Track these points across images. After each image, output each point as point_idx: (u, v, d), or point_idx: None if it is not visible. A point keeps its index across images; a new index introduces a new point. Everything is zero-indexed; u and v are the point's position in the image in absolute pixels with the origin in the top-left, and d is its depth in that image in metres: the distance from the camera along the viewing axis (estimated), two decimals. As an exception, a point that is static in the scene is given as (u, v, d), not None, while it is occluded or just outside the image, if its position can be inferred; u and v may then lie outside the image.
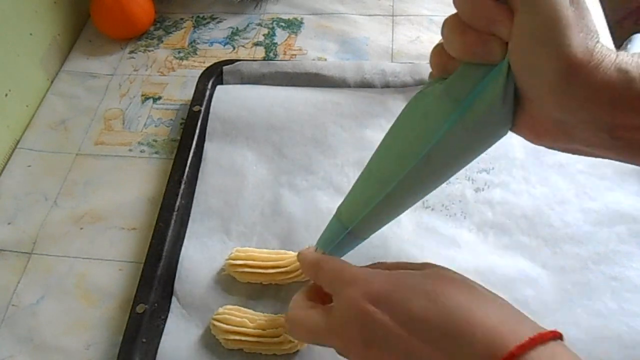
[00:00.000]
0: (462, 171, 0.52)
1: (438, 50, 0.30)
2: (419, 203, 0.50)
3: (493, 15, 0.26)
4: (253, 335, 0.42)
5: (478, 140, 0.32)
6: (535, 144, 0.30)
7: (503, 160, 0.53)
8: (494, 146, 0.58)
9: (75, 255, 0.51)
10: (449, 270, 0.32)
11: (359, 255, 0.47)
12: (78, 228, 0.52)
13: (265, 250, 0.47)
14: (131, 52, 0.69)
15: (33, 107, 0.63)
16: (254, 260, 0.45)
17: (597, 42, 0.25)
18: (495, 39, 0.27)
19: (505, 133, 0.31)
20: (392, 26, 0.69)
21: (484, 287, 0.31)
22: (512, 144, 0.54)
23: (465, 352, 0.27)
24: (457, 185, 0.51)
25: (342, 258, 0.39)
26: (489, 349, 0.26)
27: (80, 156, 0.58)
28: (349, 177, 0.52)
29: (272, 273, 0.45)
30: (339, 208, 0.38)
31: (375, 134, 0.55)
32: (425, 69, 0.59)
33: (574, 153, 0.29)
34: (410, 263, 0.34)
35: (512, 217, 0.49)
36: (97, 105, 0.63)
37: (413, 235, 0.48)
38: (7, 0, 0.58)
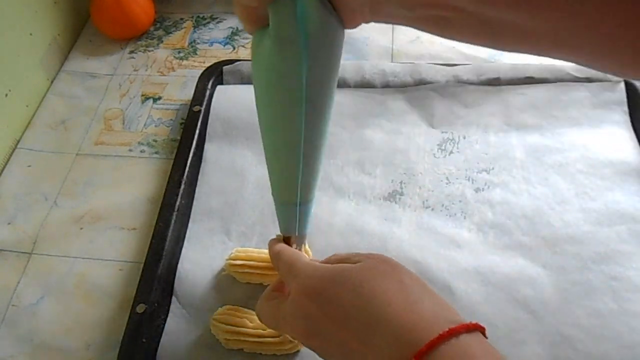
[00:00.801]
0: (462, 171, 0.52)
1: (241, 6, 0.31)
2: (419, 203, 0.51)
3: None
4: (253, 335, 0.42)
5: (334, 56, 0.32)
6: (352, 28, 0.32)
7: (503, 160, 0.53)
8: (494, 146, 0.58)
9: (75, 255, 0.51)
10: (388, 261, 0.33)
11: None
12: (78, 228, 0.52)
13: (265, 250, 0.47)
14: (131, 52, 0.69)
15: (33, 107, 0.63)
16: (254, 260, 0.45)
17: None
18: None
19: (343, 35, 0.32)
20: (392, 26, 0.69)
21: (417, 280, 0.32)
22: (512, 144, 0.54)
23: (380, 345, 0.28)
24: (457, 185, 0.51)
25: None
26: (400, 343, 0.27)
27: (80, 156, 0.58)
28: (349, 177, 0.52)
29: (272, 273, 0.45)
30: (274, 196, 0.39)
31: (375, 134, 0.55)
32: (425, 69, 0.59)
33: (381, 22, 0.31)
34: (357, 254, 0.35)
35: (512, 217, 0.49)
36: (97, 105, 0.63)
37: (413, 235, 0.48)
38: (7, 0, 0.58)
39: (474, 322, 0.28)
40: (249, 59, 0.64)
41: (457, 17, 0.28)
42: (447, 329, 0.27)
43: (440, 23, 0.29)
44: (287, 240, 0.41)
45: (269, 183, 0.52)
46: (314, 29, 0.29)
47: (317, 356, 0.42)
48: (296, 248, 0.41)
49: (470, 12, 0.27)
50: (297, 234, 0.41)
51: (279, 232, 0.42)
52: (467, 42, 0.31)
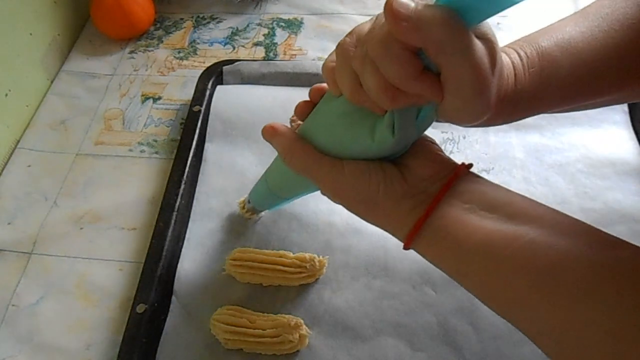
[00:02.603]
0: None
1: (354, 87, 0.30)
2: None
3: (425, 92, 0.28)
4: (253, 335, 0.42)
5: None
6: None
7: (503, 160, 0.53)
8: (493, 146, 0.58)
9: (75, 255, 0.51)
10: None
11: (360, 256, 0.48)
12: (78, 228, 0.52)
13: (265, 250, 0.47)
14: (131, 52, 0.69)
15: (33, 107, 0.63)
16: (254, 260, 0.45)
17: (502, 76, 0.31)
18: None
19: None
20: (392, 26, 0.69)
21: None
22: (511, 144, 0.54)
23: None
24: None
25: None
26: None
27: (80, 156, 0.58)
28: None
29: (272, 273, 0.45)
30: (267, 182, 0.42)
31: (375, 134, 0.55)
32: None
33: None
34: None
35: (512, 217, 0.49)
36: (97, 105, 0.63)
37: (413, 235, 0.48)
38: (7, 0, 0.58)
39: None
40: (249, 59, 0.65)
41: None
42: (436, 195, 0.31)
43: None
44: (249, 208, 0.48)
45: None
46: (419, 133, 0.33)
47: (316, 356, 0.42)
48: (251, 214, 0.49)
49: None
50: (266, 211, 0.48)
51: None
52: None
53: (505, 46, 0.34)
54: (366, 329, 0.43)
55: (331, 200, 0.37)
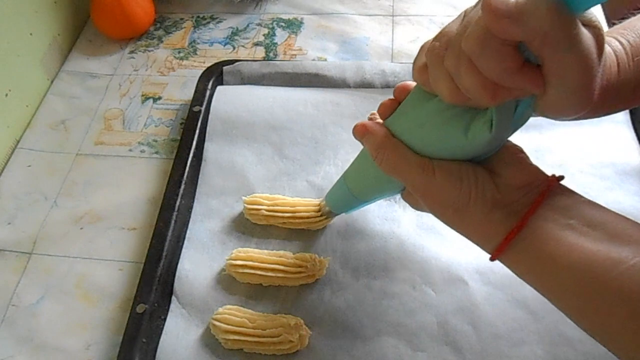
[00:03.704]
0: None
1: (451, 88, 0.29)
2: (419, 203, 0.50)
3: (526, 85, 0.27)
4: (253, 335, 0.42)
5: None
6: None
7: (503, 160, 0.53)
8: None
9: (75, 255, 0.51)
10: None
11: (360, 256, 0.48)
12: (78, 228, 0.52)
13: (265, 250, 0.47)
14: (131, 52, 0.69)
15: (33, 107, 0.63)
16: (254, 260, 0.45)
17: (605, 66, 0.29)
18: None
19: None
20: (392, 26, 0.69)
21: None
22: (512, 144, 0.54)
23: None
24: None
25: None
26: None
27: (80, 156, 0.58)
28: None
29: (272, 273, 0.45)
30: (346, 181, 0.42)
31: (376, 134, 0.55)
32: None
33: None
34: None
35: (512, 217, 0.49)
36: (97, 105, 0.63)
37: (413, 235, 0.48)
38: (7, 0, 0.58)
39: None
40: (249, 59, 0.65)
41: None
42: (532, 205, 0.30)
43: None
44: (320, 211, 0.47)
45: (268, 183, 0.52)
46: (514, 130, 0.32)
47: (316, 356, 0.42)
48: (326, 219, 0.48)
49: None
50: (342, 214, 0.47)
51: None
52: None
53: (608, 36, 0.32)
54: (366, 329, 0.43)
55: (414, 206, 0.37)
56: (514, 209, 0.31)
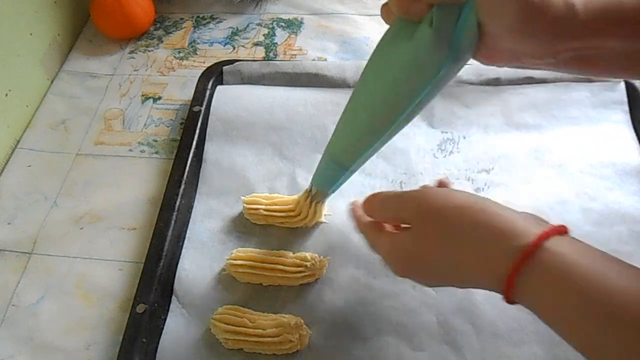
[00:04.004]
0: (462, 171, 0.52)
1: None
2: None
3: None
4: (253, 335, 0.42)
5: (455, 73, 0.35)
6: (486, 64, 0.34)
7: (503, 160, 0.53)
8: (493, 146, 0.58)
9: (75, 255, 0.51)
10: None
11: (360, 256, 0.48)
12: (78, 228, 0.52)
13: (265, 250, 0.47)
14: (131, 52, 0.69)
15: (33, 107, 0.63)
16: (254, 260, 0.45)
17: None
18: None
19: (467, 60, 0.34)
20: (392, 26, 0.69)
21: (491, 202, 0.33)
22: (512, 144, 0.54)
23: (486, 252, 0.30)
24: (457, 185, 0.51)
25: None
26: (505, 246, 0.29)
27: (80, 156, 0.58)
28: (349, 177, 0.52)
29: (272, 273, 0.45)
30: (329, 151, 0.42)
31: (375, 134, 0.55)
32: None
33: (516, 67, 0.34)
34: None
35: (512, 217, 0.49)
36: (97, 105, 0.63)
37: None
38: (7, 0, 0.58)
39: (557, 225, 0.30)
40: (249, 59, 0.65)
41: (601, 54, 0.31)
42: (544, 230, 0.29)
43: (582, 63, 0.32)
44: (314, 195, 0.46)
45: (268, 183, 0.52)
46: (465, 44, 0.32)
47: (316, 356, 0.42)
48: (316, 204, 0.47)
49: (614, 48, 0.30)
50: (328, 193, 0.45)
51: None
52: (604, 76, 0.34)
53: None
54: (366, 329, 0.43)
55: (393, 265, 0.37)
56: (528, 227, 0.30)
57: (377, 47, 0.37)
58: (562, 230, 0.30)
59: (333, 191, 0.46)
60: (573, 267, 0.27)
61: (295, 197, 0.49)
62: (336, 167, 0.42)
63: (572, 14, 0.29)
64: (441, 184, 0.42)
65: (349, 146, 0.41)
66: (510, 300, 0.30)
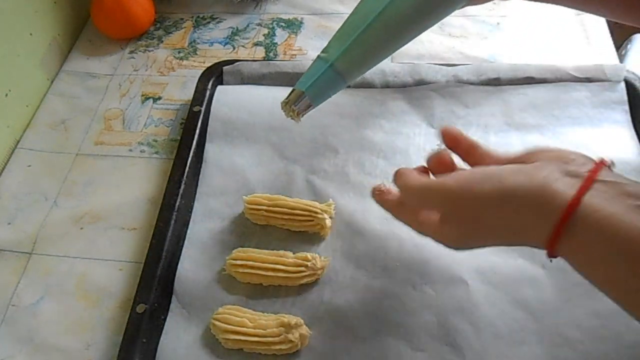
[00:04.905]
0: (462, 171, 0.52)
1: None
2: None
3: None
4: (253, 335, 0.42)
5: None
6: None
7: (503, 160, 0.53)
8: (494, 146, 0.58)
9: (75, 255, 0.51)
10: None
11: (360, 256, 0.48)
12: (78, 228, 0.52)
13: (265, 250, 0.47)
14: (131, 52, 0.69)
15: (33, 107, 0.63)
16: (254, 260, 0.45)
17: None
18: None
19: None
20: (392, 26, 0.69)
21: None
22: (512, 143, 0.54)
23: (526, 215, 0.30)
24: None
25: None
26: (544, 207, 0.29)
27: (80, 156, 0.58)
28: (349, 177, 0.52)
29: (272, 273, 0.45)
30: (326, 47, 0.41)
31: (375, 134, 0.55)
32: (425, 69, 0.59)
33: None
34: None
35: (512, 217, 0.49)
36: (97, 105, 0.63)
37: (413, 235, 0.48)
38: (7, 0, 0.58)
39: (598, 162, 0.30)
40: (249, 59, 0.65)
41: None
42: (580, 186, 0.28)
43: None
44: (295, 95, 0.42)
45: (268, 184, 0.52)
46: None
47: (316, 356, 0.42)
48: (294, 111, 0.42)
49: None
50: (304, 90, 0.41)
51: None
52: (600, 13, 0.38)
53: None
54: (366, 329, 0.43)
55: (447, 241, 0.37)
56: (565, 184, 0.29)
57: None
58: (599, 170, 0.29)
59: (311, 93, 0.42)
60: (610, 222, 0.27)
61: (297, 200, 0.49)
62: (319, 60, 0.41)
63: None
64: (441, 158, 0.39)
65: (337, 36, 0.40)
66: (553, 256, 0.30)
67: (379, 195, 0.41)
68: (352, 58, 0.40)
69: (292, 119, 0.43)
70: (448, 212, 0.35)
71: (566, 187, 0.29)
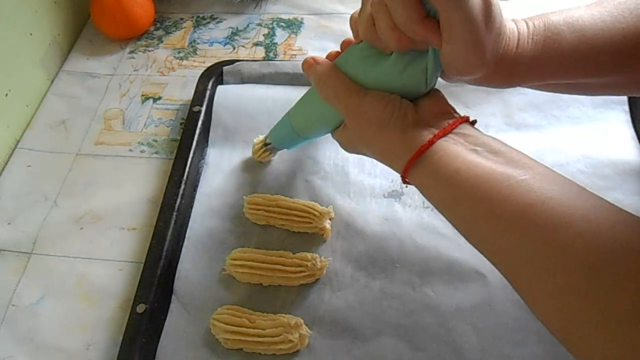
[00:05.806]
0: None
1: (368, 27, 0.36)
2: (420, 203, 0.51)
3: (425, 36, 0.32)
4: (253, 335, 0.42)
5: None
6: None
7: (503, 160, 0.53)
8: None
9: (75, 255, 0.51)
10: None
11: (360, 256, 0.48)
12: (78, 228, 0.52)
13: (265, 250, 0.47)
14: (131, 52, 0.69)
15: (33, 107, 0.63)
16: (254, 260, 0.45)
17: (503, 37, 0.33)
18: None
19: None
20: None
21: None
22: (511, 143, 0.54)
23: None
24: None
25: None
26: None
27: (80, 156, 0.58)
28: (349, 177, 0.52)
29: (272, 273, 0.45)
30: (290, 117, 0.46)
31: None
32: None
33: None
34: None
35: (512, 217, 0.49)
36: (97, 105, 0.63)
37: (413, 235, 0.48)
38: (7, 0, 0.58)
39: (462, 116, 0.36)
40: (249, 59, 0.65)
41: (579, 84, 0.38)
42: (439, 131, 0.35)
43: (568, 88, 0.39)
44: (264, 145, 0.51)
45: (268, 183, 0.52)
46: (429, 84, 0.36)
47: (316, 356, 0.42)
48: (269, 154, 0.52)
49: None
50: (285, 149, 0.51)
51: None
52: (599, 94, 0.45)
53: (518, 19, 0.37)
54: (366, 329, 0.43)
55: (344, 145, 0.42)
56: (427, 131, 0.35)
57: (347, 53, 0.40)
58: (457, 124, 0.35)
59: (286, 149, 0.50)
60: (446, 161, 0.33)
61: (297, 200, 0.49)
62: (293, 132, 0.46)
63: (525, 66, 0.35)
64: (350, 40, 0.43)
65: (305, 121, 0.44)
66: (406, 182, 0.37)
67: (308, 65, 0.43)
68: (298, 119, 0.45)
69: (261, 161, 0.53)
70: (346, 118, 0.39)
71: (428, 134, 0.35)
